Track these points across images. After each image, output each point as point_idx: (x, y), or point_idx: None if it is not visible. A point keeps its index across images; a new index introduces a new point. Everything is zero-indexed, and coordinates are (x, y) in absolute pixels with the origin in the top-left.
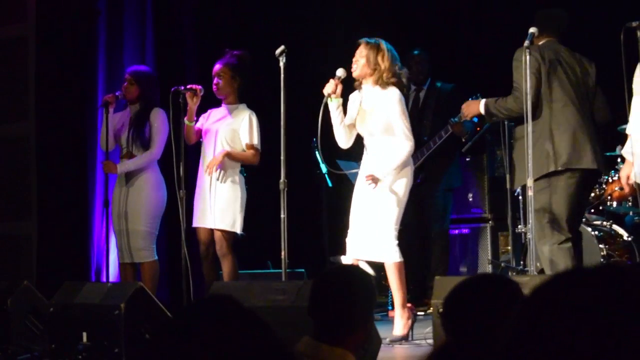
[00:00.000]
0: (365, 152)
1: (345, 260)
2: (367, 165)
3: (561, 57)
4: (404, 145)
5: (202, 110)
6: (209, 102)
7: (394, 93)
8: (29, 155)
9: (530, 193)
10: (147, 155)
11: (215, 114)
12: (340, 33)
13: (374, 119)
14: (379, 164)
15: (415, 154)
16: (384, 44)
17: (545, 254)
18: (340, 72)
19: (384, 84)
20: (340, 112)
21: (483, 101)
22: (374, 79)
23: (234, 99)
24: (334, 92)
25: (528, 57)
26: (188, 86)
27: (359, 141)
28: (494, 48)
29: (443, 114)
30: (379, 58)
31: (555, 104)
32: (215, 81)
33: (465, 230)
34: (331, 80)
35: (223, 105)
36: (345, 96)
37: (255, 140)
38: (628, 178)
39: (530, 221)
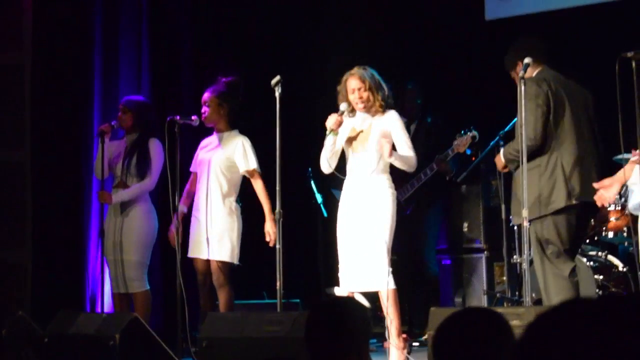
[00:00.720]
0: (348, 174)
1: (340, 292)
2: (350, 190)
3: (564, 86)
4: (412, 155)
5: (198, 138)
6: (205, 130)
7: (394, 113)
8: (24, 184)
9: (525, 224)
10: (141, 185)
11: (207, 143)
12: (334, 63)
13: (370, 138)
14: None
15: (405, 186)
16: (374, 72)
17: (550, 286)
18: (344, 107)
19: (384, 110)
20: (335, 145)
21: (501, 151)
22: (377, 107)
23: (225, 126)
24: (337, 127)
25: (535, 88)
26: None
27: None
28: (486, 83)
29: (433, 148)
30: (379, 87)
31: (564, 135)
32: (202, 109)
33: (459, 261)
34: (334, 115)
35: (214, 133)
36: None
37: (253, 165)
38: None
39: (526, 252)
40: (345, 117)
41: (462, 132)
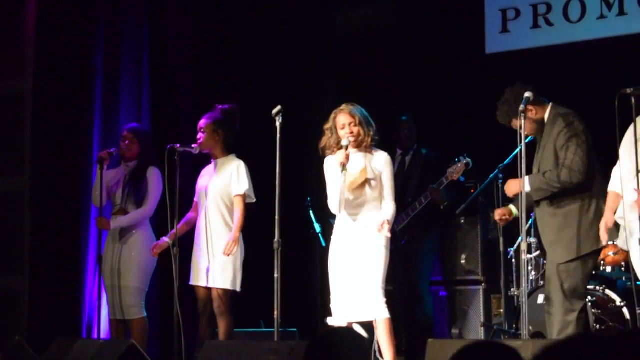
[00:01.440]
0: (345, 212)
1: (334, 322)
2: (344, 221)
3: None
4: (390, 205)
5: (197, 166)
6: (204, 159)
7: (385, 156)
8: (23, 210)
9: (524, 257)
10: (140, 212)
11: (206, 171)
12: (333, 94)
13: (369, 176)
14: (367, 227)
15: (401, 215)
16: (361, 108)
17: (566, 323)
18: (346, 142)
19: (372, 147)
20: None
21: (527, 178)
22: (368, 143)
23: (220, 152)
24: (347, 161)
25: (581, 123)
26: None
27: None
28: (485, 116)
29: (428, 179)
30: (369, 123)
31: (597, 175)
32: (198, 136)
33: (456, 292)
34: (343, 151)
35: (212, 161)
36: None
37: (244, 188)
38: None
39: (523, 284)
40: (332, 157)
41: (456, 159)
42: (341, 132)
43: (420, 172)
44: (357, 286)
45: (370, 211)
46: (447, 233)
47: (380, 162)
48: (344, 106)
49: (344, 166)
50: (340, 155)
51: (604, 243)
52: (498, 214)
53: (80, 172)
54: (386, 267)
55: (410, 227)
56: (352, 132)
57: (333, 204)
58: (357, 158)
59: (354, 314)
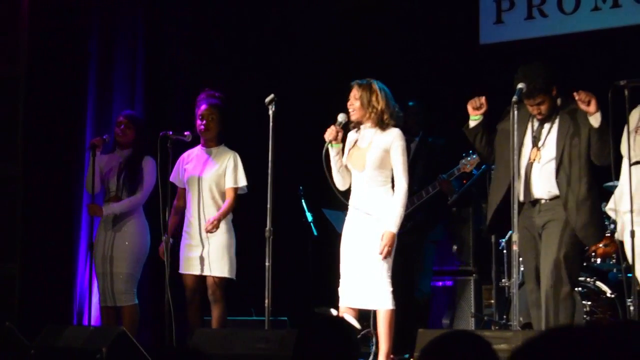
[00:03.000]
0: (352, 192)
1: (333, 311)
2: (357, 203)
3: None
4: (401, 184)
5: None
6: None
7: (396, 131)
8: (16, 196)
9: (515, 248)
10: (132, 200)
11: (195, 158)
12: (330, 81)
13: (368, 154)
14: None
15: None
16: (376, 84)
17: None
18: (342, 118)
19: (384, 125)
20: (340, 157)
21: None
22: (372, 121)
23: (216, 141)
24: (335, 139)
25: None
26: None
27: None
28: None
29: (433, 168)
30: (373, 99)
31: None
32: (203, 122)
33: (448, 283)
34: (332, 127)
35: (202, 148)
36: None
37: (240, 183)
38: None
39: (514, 275)
40: (352, 132)
41: (471, 151)
42: (348, 106)
43: (426, 159)
44: (363, 273)
45: (380, 195)
46: (448, 224)
47: (390, 139)
48: (355, 81)
49: (330, 142)
50: (329, 131)
51: None
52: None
53: (73, 159)
54: (393, 256)
55: (414, 216)
56: (352, 105)
57: (336, 182)
58: (367, 134)
59: (358, 300)
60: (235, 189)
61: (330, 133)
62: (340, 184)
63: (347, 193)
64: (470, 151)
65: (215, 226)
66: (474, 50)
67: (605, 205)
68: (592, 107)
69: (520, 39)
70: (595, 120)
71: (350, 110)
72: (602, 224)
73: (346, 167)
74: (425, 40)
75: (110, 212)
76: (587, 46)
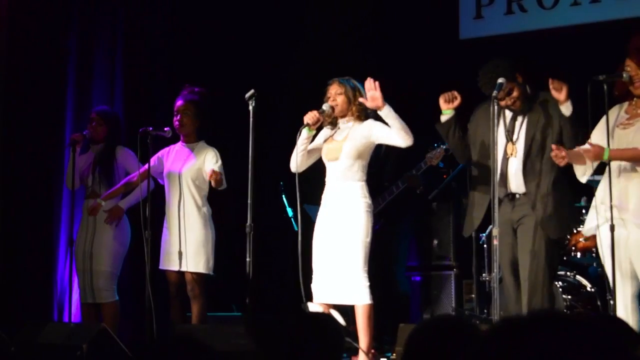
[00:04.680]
0: (326, 186)
1: (315, 307)
2: (330, 197)
3: None
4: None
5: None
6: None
7: (370, 120)
8: None
9: (495, 242)
10: (137, 190)
11: (174, 154)
12: (307, 78)
13: (345, 144)
14: (348, 203)
15: (377, 199)
16: (355, 82)
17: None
18: (326, 107)
19: (362, 118)
20: (307, 143)
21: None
22: (353, 116)
23: (195, 137)
24: (314, 124)
25: (495, 110)
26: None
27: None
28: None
29: (405, 163)
30: (357, 94)
31: None
32: (178, 118)
33: (429, 278)
34: (314, 111)
35: (182, 144)
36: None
37: (218, 168)
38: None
39: (495, 269)
40: (327, 128)
41: (435, 145)
42: (330, 103)
43: (397, 155)
44: (338, 268)
45: (353, 183)
46: (420, 218)
47: (366, 126)
48: (335, 78)
49: (307, 125)
50: (309, 114)
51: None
52: None
53: (53, 155)
54: (367, 248)
55: (386, 212)
56: (334, 100)
57: (291, 161)
58: (344, 128)
59: (334, 295)
60: (214, 172)
61: (310, 117)
62: (295, 165)
63: (321, 188)
64: (435, 144)
65: (218, 177)
66: (454, 45)
67: (586, 200)
68: (563, 95)
69: (500, 34)
70: (566, 108)
71: (333, 103)
72: (568, 217)
73: (310, 153)
74: (405, 35)
75: (127, 205)
76: (566, 41)
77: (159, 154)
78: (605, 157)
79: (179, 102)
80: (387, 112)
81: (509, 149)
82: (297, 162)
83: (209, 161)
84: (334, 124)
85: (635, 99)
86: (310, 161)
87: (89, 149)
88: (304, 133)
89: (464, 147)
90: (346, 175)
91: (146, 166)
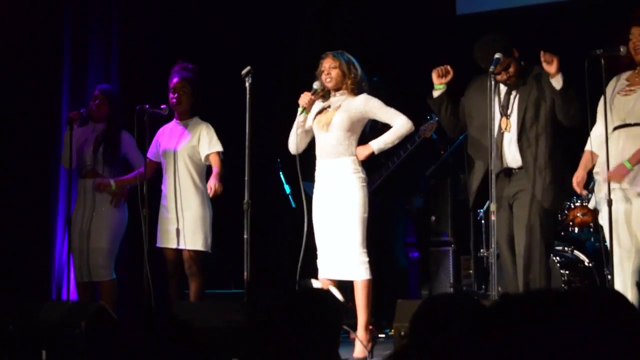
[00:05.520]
0: (317, 158)
1: (316, 283)
2: (319, 175)
3: None
4: (400, 117)
5: (156, 126)
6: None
7: (364, 95)
8: None
9: (493, 218)
10: (136, 174)
11: (169, 131)
12: (304, 54)
13: (336, 115)
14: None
15: (373, 176)
16: (349, 55)
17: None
18: (317, 85)
19: (356, 92)
20: (304, 123)
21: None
22: (347, 89)
23: (190, 114)
24: (309, 105)
25: (490, 85)
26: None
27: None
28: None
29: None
30: (351, 67)
31: None
32: (175, 95)
33: (427, 254)
34: (307, 93)
35: (175, 121)
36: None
37: (217, 149)
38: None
39: (493, 245)
40: (318, 101)
41: (428, 117)
42: (323, 77)
43: None
44: (334, 243)
45: (344, 158)
46: (417, 193)
47: (360, 103)
48: (329, 52)
49: (303, 109)
50: (303, 97)
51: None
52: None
53: (49, 135)
54: (365, 223)
55: (383, 188)
56: (329, 74)
57: (290, 143)
58: (336, 102)
59: (333, 271)
60: (218, 153)
61: (305, 100)
62: (294, 146)
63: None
64: (428, 116)
65: (217, 190)
66: (451, 21)
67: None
68: (554, 68)
69: (497, 9)
70: (556, 82)
71: (326, 79)
72: (564, 189)
73: (307, 132)
74: (402, 11)
75: (116, 186)
76: (565, 15)
77: (155, 139)
78: (630, 167)
79: (175, 80)
80: (379, 149)
81: (503, 123)
82: (296, 143)
83: (204, 143)
84: (326, 97)
85: (638, 67)
86: (307, 140)
87: (85, 124)
88: (301, 117)
89: (456, 121)
90: (338, 151)
91: (151, 148)
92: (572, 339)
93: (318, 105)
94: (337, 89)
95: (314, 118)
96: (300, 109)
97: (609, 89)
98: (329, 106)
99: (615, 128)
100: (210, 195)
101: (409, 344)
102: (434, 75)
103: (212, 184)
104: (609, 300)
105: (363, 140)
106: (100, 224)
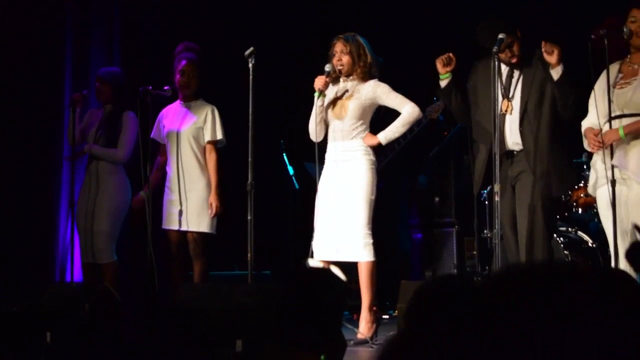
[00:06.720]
0: (330, 143)
1: (315, 263)
2: (334, 154)
3: None
4: (407, 105)
5: (159, 108)
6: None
7: (373, 81)
8: None
9: (497, 198)
10: (112, 152)
11: (173, 113)
12: (309, 34)
13: (351, 103)
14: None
15: (379, 158)
16: (360, 39)
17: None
18: (329, 68)
19: (367, 78)
20: (323, 109)
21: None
22: (358, 74)
23: (194, 95)
24: (325, 87)
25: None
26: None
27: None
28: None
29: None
30: (362, 52)
31: None
32: (182, 78)
33: (430, 235)
34: (322, 77)
35: (179, 102)
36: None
37: (219, 135)
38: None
39: (497, 226)
40: (331, 86)
41: (434, 98)
42: (334, 61)
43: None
44: (342, 226)
45: (354, 141)
46: (420, 173)
47: (370, 89)
48: (341, 35)
49: (320, 92)
50: (318, 80)
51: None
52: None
53: (53, 117)
54: (372, 205)
55: (387, 170)
56: (340, 60)
57: (310, 131)
58: (346, 87)
59: (336, 252)
60: (214, 142)
61: (321, 83)
62: (315, 134)
63: (323, 146)
64: (434, 98)
65: (217, 210)
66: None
67: (587, 155)
68: (554, 59)
69: None
70: (556, 73)
71: (338, 64)
72: (567, 174)
73: (323, 120)
74: None
75: (89, 149)
76: None
77: (157, 123)
78: (622, 135)
79: (183, 62)
80: (386, 140)
81: (504, 105)
82: (317, 131)
83: (207, 128)
84: (336, 81)
85: (629, 55)
86: (325, 128)
87: (97, 106)
88: (319, 101)
89: (467, 109)
90: (350, 134)
91: (154, 130)
92: (580, 320)
93: (331, 90)
94: (347, 75)
95: (328, 107)
96: (317, 93)
97: (600, 82)
98: (342, 95)
99: (613, 118)
100: (212, 216)
101: (407, 328)
102: (439, 65)
103: (212, 202)
104: (616, 279)
105: (373, 125)
106: (102, 206)
